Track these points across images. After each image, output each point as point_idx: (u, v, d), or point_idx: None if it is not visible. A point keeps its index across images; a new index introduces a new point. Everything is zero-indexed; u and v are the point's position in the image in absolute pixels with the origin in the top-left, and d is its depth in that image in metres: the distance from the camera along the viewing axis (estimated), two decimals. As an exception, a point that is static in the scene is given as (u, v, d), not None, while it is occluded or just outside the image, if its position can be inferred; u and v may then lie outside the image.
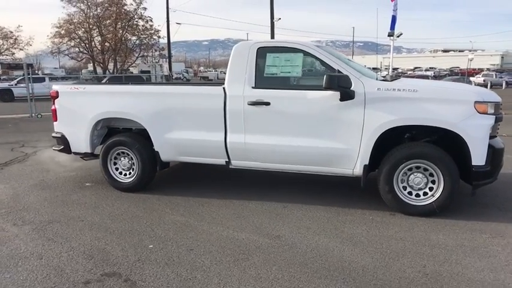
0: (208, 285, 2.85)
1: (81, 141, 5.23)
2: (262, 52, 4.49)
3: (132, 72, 36.78)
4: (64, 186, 5.47)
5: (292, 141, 4.31)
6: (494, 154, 3.87)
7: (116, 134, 5.21)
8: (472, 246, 3.39)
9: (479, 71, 51.96)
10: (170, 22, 33.27)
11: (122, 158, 5.14)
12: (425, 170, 3.99)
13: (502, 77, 35.87)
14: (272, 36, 20.74)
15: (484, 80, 32.70)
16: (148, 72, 35.55)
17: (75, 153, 5.48)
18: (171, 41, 35.25)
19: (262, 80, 4.48)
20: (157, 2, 35.48)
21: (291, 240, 3.58)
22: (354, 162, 4.15)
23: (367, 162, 4.09)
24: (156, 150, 4.90)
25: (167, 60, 35.01)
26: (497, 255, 3.21)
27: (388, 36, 17.45)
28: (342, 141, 4.13)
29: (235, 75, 4.53)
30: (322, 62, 4.27)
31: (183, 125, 4.72)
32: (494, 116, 3.85)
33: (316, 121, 4.21)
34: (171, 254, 3.35)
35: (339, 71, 4.12)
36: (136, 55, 34.48)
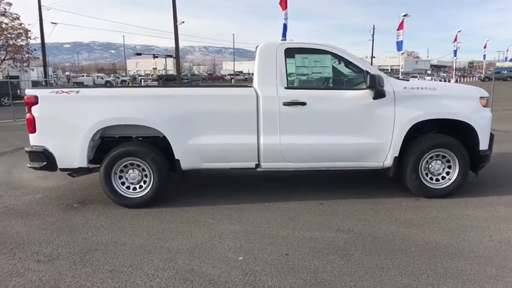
0: (345, 284, 2.83)
1: (74, 155, 4.43)
2: (290, 53, 4.55)
3: (-6, 78, 31.15)
4: (46, 210, 4.54)
5: (329, 139, 4.47)
6: (492, 140, 4.72)
7: (122, 144, 4.56)
8: (503, 216, 4.09)
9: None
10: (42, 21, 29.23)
11: (130, 171, 4.53)
12: (443, 157, 4.62)
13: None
14: (176, 39, 20.11)
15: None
16: (17, 77, 30.64)
17: (63, 170, 4.60)
18: (34, 43, 31.04)
19: (295, 81, 4.54)
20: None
21: (364, 232, 3.75)
22: (385, 155, 4.53)
23: (397, 154, 4.52)
24: (176, 158, 4.47)
25: (41, 63, 30.57)
26: (527, 220, 3.97)
27: None
28: (376, 136, 4.47)
29: (266, 76, 4.47)
30: (352, 64, 4.55)
31: (210, 129, 4.43)
32: (490, 108, 4.71)
33: (352, 119, 4.46)
34: (271, 262, 3.18)
35: (367, 72, 4.45)
36: (2, 58, 29.16)
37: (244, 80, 61.62)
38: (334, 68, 4.69)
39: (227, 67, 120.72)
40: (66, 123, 4.40)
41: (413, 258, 3.19)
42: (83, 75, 64.13)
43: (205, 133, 4.43)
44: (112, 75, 62.28)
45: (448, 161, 4.63)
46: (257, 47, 5.05)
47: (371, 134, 4.48)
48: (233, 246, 3.50)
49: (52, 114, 4.41)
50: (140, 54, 42.77)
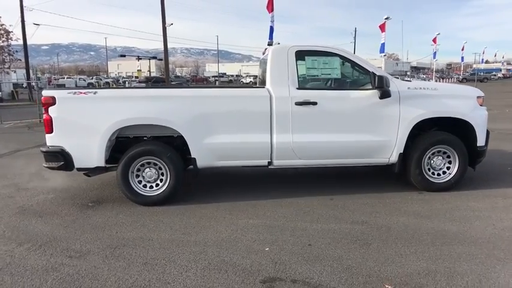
0: (370, 269, 3.05)
1: (92, 155, 4.52)
2: (300, 55, 4.76)
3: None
4: (63, 210, 4.61)
5: (339, 137, 4.70)
6: (488, 136, 5.05)
7: (139, 143, 4.68)
8: (502, 206, 4.41)
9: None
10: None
11: (147, 169, 4.65)
12: (444, 153, 4.92)
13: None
14: (165, 41, 20.08)
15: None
16: (-3, 79, 29.93)
17: (80, 170, 4.68)
18: (14, 44, 30.38)
19: (305, 82, 4.76)
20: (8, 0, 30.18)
21: (378, 223, 3.99)
22: (391, 151, 4.80)
23: (402, 151, 4.78)
24: (192, 156, 4.62)
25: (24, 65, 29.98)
26: (524, 210, 4.29)
27: (268, 45, 19.19)
28: (383, 134, 4.73)
29: (278, 77, 4.67)
30: (358, 65, 4.80)
31: (225, 128, 4.60)
32: (486, 107, 5.05)
33: (360, 118, 4.70)
34: (296, 252, 3.37)
35: (373, 73, 4.70)
36: (-18, 59, 28.46)
37: (228, 82, 61.72)
38: (342, 70, 4.92)
39: (210, 69, 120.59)
40: (84, 124, 4.49)
41: (427, 245, 3.44)
42: (64, 77, 62.76)
43: (221, 132, 4.60)
44: (94, 77, 61.29)
45: (449, 157, 4.93)
46: (265, 49, 5.27)
47: (378, 132, 4.73)
48: (257, 238, 3.68)
49: (70, 114, 4.50)
50: (124, 56, 42.18)
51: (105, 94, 4.56)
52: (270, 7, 18.02)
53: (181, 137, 4.65)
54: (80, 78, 56.71)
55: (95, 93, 4.52)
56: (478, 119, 4.86)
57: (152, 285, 2.89)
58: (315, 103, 4.61)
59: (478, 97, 4.96)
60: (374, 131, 4.73)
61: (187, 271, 3.09)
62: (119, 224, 4.14)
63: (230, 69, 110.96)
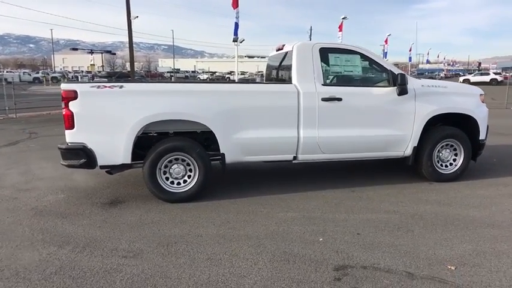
0: (426, 252, 3.27)
1: (118, 151, 4.37)
2: (324, 52, 4.91)
3: None
4: (85, 210, 4.40)
5: (361, 132, 4.92)
6: (487, 131, 5.53)
7: (166, 139, 4.58)
8: (506, 193, 4.88)
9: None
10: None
11: (175, 166, 4.57)
12: (451, 146, 5.32)
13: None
14: (130, 34, 19.30)
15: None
16: None
17: (103, 167, 4.49)
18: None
19: (329, 78, 4.91)
20: None
21: (409, 211, 4.26)
22: (406, 145, 5.11)
23: (416, 144, 5.11)
24: (221, 152, 4.61)
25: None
26: (527, 196, 4.79)
27: (233, 41, 19.35)
28: (401, 128, 5.02)
29: (304, 74, 4.79)
30: (377, 63, 5.05)
31: (254, 123, 4.64)
32: (485, 104, 5.53)
33: (381, 113, 4.95)
34: (350, 241, 3.52)
35: (391, 71, 4.97)
36: None
37: (184, 78, 60.34)
38: (363, 67, 5.15)
39: (163, 64, 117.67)
40: (109, 119, 4.31)
41: (463, 230, 3.75)
42: (3, 71, 58.04)
43: (250, 127, 4.63)
44: (41, 71, 57.39)
45: (455, 150, 5.34)
46: (283, 45, 5.36)
47: (396, 127, 5.01)
48: (305, 230, 3.78)
49: (93, 109, 4.29)
50: (77, 49, 39.79)
51: (132, 88, 4.40)
52: (235, 3, 18.02)
53: (204, 133, 4.63)
54: (24, 72, 52.83)
55: (120, 87, 4.35)
56: (481, 114, 5.33)
57: (229, 280, 2.89)
58: (340, 99, 4.79)
59: (480, 95, 5.42)
60: (393, 126, 5.00)
61: (256, 264, 3.12)
62: (155, 221, 4.04)
63: (183, 64, 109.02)
